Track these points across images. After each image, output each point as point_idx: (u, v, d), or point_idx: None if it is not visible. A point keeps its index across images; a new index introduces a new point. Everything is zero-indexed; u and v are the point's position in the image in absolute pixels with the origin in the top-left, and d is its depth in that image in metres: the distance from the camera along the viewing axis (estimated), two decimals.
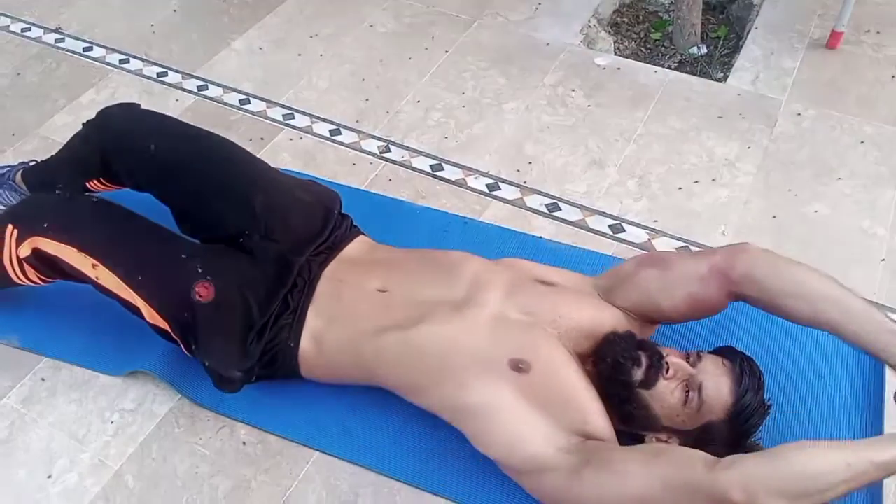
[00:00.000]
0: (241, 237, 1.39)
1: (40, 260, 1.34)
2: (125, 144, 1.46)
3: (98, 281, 1.32)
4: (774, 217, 1.74)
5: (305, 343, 1.34)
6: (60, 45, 2.29)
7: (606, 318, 1.31)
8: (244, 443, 1.40)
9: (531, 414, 1.20)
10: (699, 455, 1.10)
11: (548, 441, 1.18)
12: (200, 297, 1.30)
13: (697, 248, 1.68)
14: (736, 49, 2.24)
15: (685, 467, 1.09)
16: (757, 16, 2.29)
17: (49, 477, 1.37)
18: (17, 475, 1.37)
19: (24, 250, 1.33)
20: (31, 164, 1.74)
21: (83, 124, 1.54)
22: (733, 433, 1.22)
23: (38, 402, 1.47)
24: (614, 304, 1.34)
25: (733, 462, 1.06)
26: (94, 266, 1.31)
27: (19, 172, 1.72)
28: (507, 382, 1.21)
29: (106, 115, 1.51)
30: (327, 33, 2.31)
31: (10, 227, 1.34)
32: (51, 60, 2.24)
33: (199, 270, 1.31)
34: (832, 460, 1.03)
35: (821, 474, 1.02)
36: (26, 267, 1.36)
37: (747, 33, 2.25)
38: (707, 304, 1.29)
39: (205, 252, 1.35)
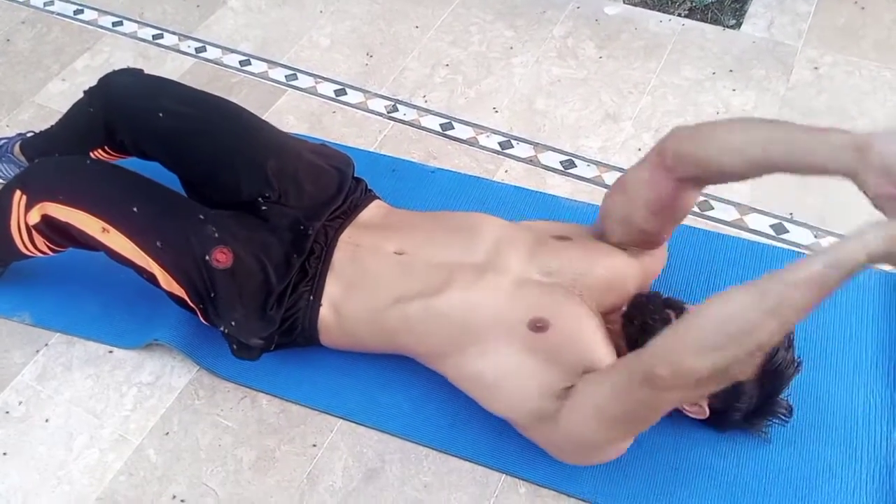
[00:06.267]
0: (254, 203, 1.36)
1: (50, 227, 1.29)
2: (130, 112, 1.40)
3: (110, 246, 1.28)
4: None
5: (325, 310, 1.32)
6: (50, 8, 2.21)
7: (619, 266, 1.30)
8: (265, 409, 1.38)
9: (536, 370, 1.18)
10: (633, 353, 1.08)
11: (543, 393, 1.17)
12: (218, 262, 1.26)
13: (719, 203, 1.65)
14: None
15: (621, 366, 1.10)
16: None
17: (70, 453, 1.35)
18: (38, 452, 1.36)
19: (34, 217, 1.28)
20: (30, 135, 1.69)
21: (84, 92, 1.48)
22: (763, 390, 1.21)
23: (53, 378, 1.45)
24: (618, 247, 1.32)
25: (652, 341, 1.03)
26: (105, 230, 1.26)
27: (17, 144, 1.66)
28: (521, 343, 1.19)
29: (108, 81, 1.45)
30: None
31: (17, 192, 1.29)
32: (41, 25, 2.16)
33: (216, 236, 1.28)
34: (744, 297, 0.94)
35: (736, 313, 0.93)
36: (35, 235, 1.31)
37: None
38: (667, 201, 1.21)
39: (220, 217, 1.31)
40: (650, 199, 1.22)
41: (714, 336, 0.95)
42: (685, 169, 1.15)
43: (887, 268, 1.50)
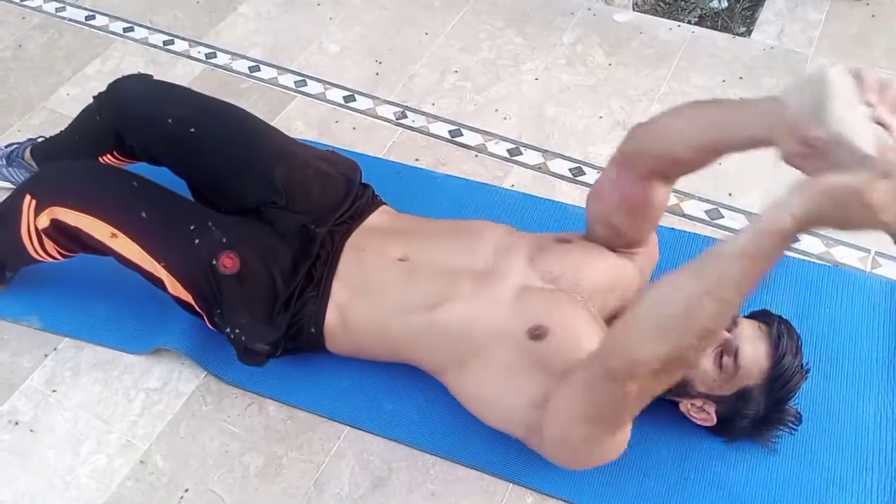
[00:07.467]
0: (261, 209, 1.36)
1: (59, 231, 1.30)
2: (139, 118, 1.41)
3: (119, 251, 1.29)
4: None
5: (331, 316, 1.31)
6: (62, 14, 2.23)
7: (617, 267, 1.29)
8: (272, 415, 1.38)
9: (524, 381, 1.17)
10: (594, 349, 1.07)
11: (527, 404, 1.17)
12: (225, 267, 1.27)
13: (727, 211, 1.64)
14: (758, 2, 2.17)
15: (585, 364, 1.06)
16: None
17: (77, 457, 1.35)
18: (46, 457, 1.36)
19: (43, 221, 1.29)
20: (40, 140, 1.70)
21: (94, 97, 1.49)
22: (771, 397, 1.20)
23: (61, 382, 1.45)
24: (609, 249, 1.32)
25: (603, 338, 1.05)
26: (113, 235, 1.27)
27: (28, 149, 1.68)
28: (519, 353, 1.18)
29: (118, 87, 1.46)
30: None
31: (27, 197, 1.30)
32: (53, 31, 2.17)
33: (223, 241, 1.28)
34: (681, 279, 0.90)
35: (675, 298, 0.90)
36: (45, 240, 1.32)
37: None
38: (636, 199, 1.21)
39: (227, 222, 1.31)
40: (622, 200, 1.23)
41: (656, 323, 0.92)
42: (644, 165, 1.16)
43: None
